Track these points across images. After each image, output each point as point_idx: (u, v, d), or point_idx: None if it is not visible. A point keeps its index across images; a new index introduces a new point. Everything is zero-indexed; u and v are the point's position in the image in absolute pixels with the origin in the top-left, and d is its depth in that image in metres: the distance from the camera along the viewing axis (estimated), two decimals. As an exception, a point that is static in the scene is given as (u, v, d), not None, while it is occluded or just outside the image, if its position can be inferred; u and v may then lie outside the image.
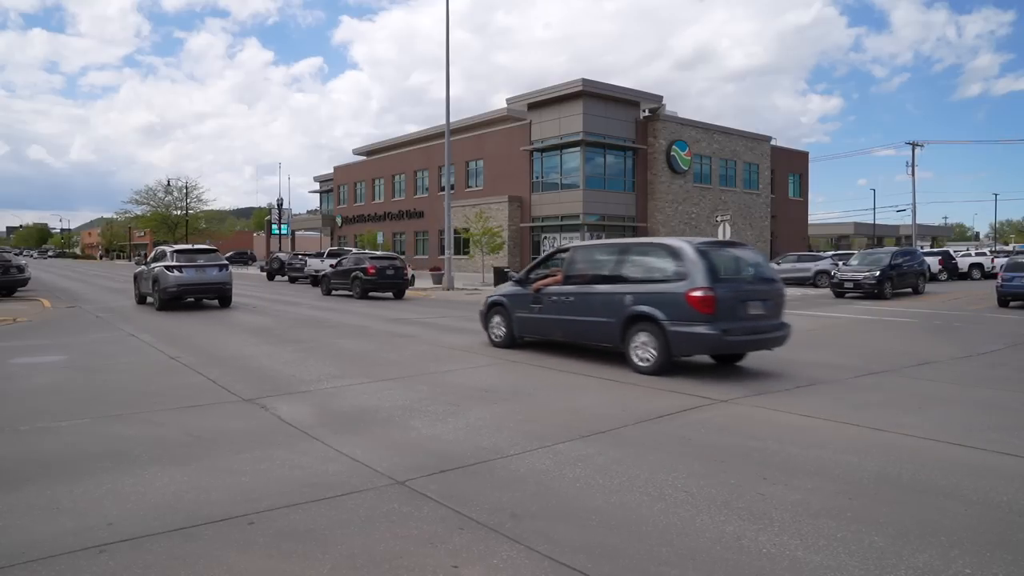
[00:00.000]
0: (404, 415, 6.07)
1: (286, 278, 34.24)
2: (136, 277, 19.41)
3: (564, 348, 10.48)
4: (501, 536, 3.50)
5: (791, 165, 50.28)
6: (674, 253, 8.17)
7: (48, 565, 3.15)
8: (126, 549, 3.33)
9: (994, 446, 5.18)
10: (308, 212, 70.12)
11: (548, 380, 7.80)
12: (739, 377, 8.01)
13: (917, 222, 53.16)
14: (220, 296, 17.86)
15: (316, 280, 30.61)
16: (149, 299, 17.92)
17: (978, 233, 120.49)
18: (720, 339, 7.69)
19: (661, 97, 40.39)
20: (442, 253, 34.39)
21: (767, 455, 4.90)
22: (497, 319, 10.57)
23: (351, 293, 21.89)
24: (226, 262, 18.52)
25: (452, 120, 28.21)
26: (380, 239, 44.74)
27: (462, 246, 39.06)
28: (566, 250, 10.00)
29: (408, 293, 24.81)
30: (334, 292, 23.28)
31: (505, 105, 42.21)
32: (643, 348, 8.18)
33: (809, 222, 55.79)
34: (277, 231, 54.23)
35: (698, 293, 7.65)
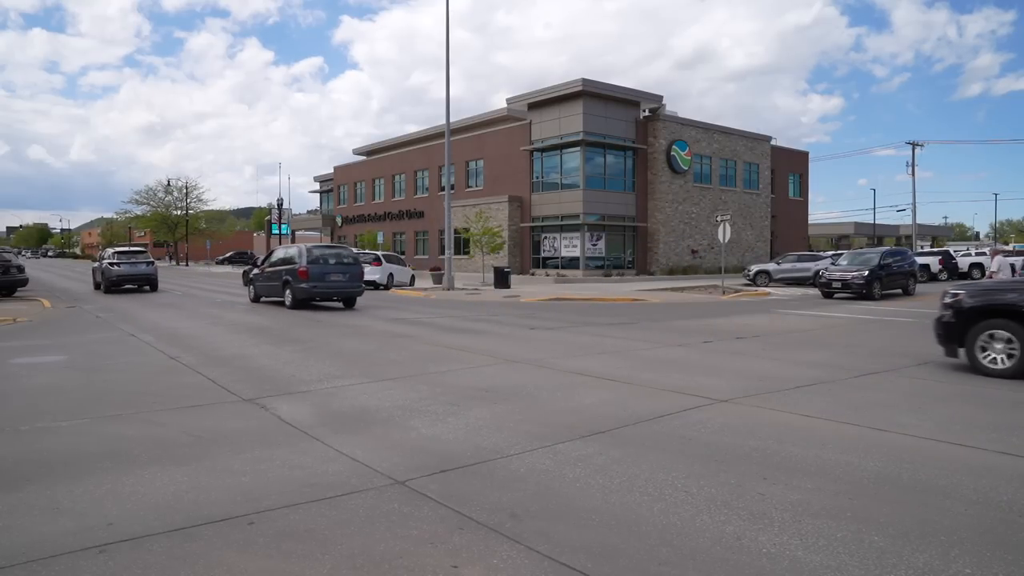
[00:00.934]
0: (404, 415, 6.07)
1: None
2: (93, 271, 27.02)
3: (564, 348, 10.48)
4: (501, 536, 3.50)
5: (791, 165, 50.27)
6: (298, 250, 17.88)
7: (48, 565, 3.15)
8: (126, 549, 3.33)
9: (994, 446, 5.18)
10: (308, 212, 70.11)
11: (548, 380, 7.81)
12: (739, 377, 8.02)
13: (917, 222, 53.17)
14: (149, 283, 24.29)
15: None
16: (107, 287, 23.71)
17: (978, 233, 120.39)
18: (310, 290, 16.97)
19: (661, 97, 40.39)
20: (442, 253, 34.39)
21: (767, 455, 4.90)
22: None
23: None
24: (152, 259, 25.23)
25: (452, 120, 28.21)
26: (380, 239, 44.78)
27: (462, 246, 39.06)
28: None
29: (408, 293, 24.83)
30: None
31: (505, 105, 42.20)
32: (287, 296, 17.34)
33: (809, 222, 55.79)
34: (277, 231, 54.21)
35: (303, 268, 16.89)
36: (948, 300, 8.96)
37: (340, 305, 18.02)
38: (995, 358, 8.30)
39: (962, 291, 8.95)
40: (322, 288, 17.11)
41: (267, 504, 3.90)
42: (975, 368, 8.44)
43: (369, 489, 4.18)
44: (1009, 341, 8.18)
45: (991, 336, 8.40)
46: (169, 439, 5.25)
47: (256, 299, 19.42)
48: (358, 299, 18.38)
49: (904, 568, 3.17)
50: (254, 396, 6.87)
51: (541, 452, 4.96)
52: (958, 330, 8.74)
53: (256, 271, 19.88)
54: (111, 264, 23.56)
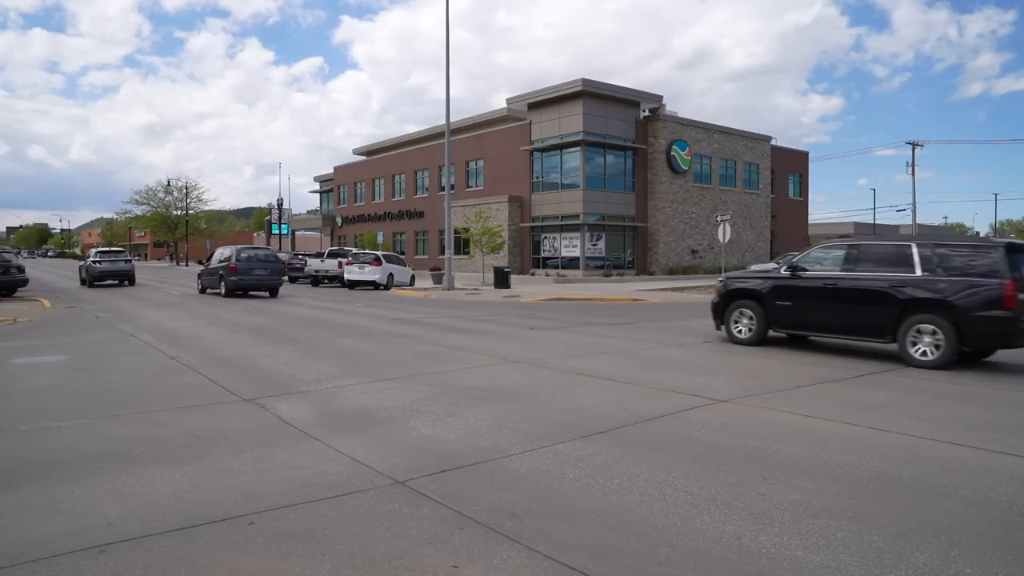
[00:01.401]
0: (404, 415, 6.07)
1: (286, 278, 34.30)
2: (79, 268, 31.57)
3: (564, 348, 10.49)
4: (501, 536, 3.50)
5: (791, 165, 50.27)
6: (231, 251, 22.32)
7: (48, 565, 3.15)
8: (126, 549, 3.33)
9: (994, 446, 5.19)
10: (308, 212, 70.12)
11: (548, 380, 7.81)
12: (739, 377, 8.02)
13: (917, 222, 53.18)
14: (127, 278, 28.15)
15: (316, 280, 30.71)
16: (90, 282, 27.54)
17: (978, 233, 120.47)
18: (238, 282, 21.57)
19: (661, 97, 40.39)
20: (442, 253, 34.39)
21: (767, 455, 4.90)
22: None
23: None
24: (129, 258, 29.99)
25: (452, 120, 28.20)
26: (380, 239, 44.78)
27: (462, 246, 39.06)
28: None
29: (408, 293, 24.84)
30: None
31: (505, 105, 42.20)
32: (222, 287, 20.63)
33: (809, 222, 55.77)
34: (277, 231, 54.22)
35: (232, 265, 21.53)
36: (718, 286, 11.71)
37: (340, 305, 18.00)
38: (741, 329, 11.10)
39: (726, 279, 11.72)
40: (248, 280, 22.08)
41: (267, 504, 3.90)
42: (730, 338, 11.20)
43: (369, 489, 4.18)
44: (751, 317, 10.92)
45: (740, 312, 11.10)
46: (169, 439, 5.25)
47: (203, 291, 23.86)
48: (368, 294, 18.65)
49: (904, 568, 3.17)
50: (254, 396, 6.87)
51: (541, 452, 4.96)
52: (721, 308, 11.46)
53: (201, 268, 25.04)
54: (94, 262, 27.54)
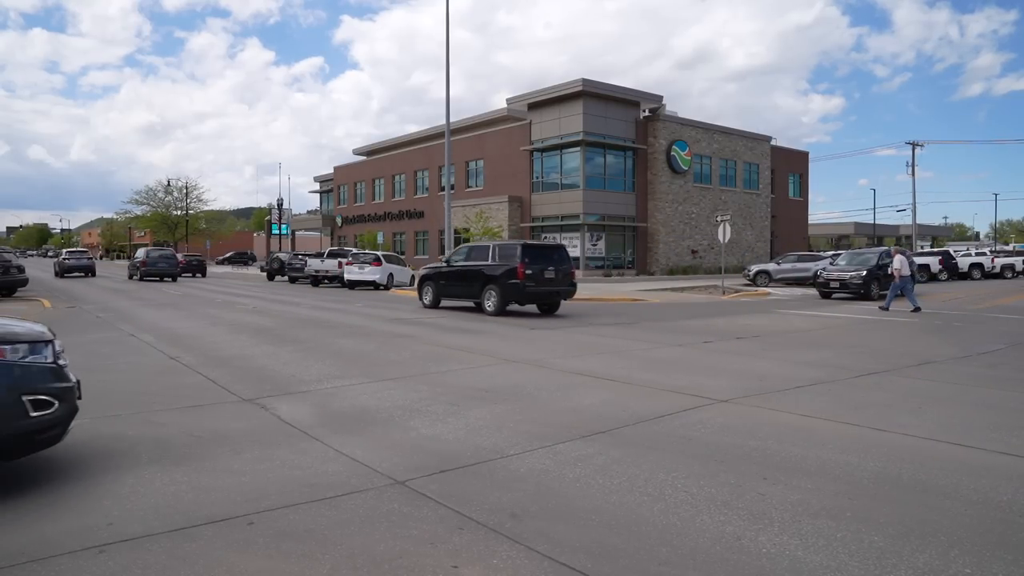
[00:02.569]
0: (404, 415, 6.07)
1: (286, 278, 34.29)
2: (53, 264, 42.73)
3: (564, 348, 10.49)
4: (501, 536, 3.50)
5: (791, 165, 50.30)
6: (144, 252, 34.49)
7: (48, 565, 3.15)
8: (126, 549, 3.33)
9: (994, 446, 5.18)
10: (308, 212, 70.15)
11: (548, 380, 7.80)
12: (739, 377, 8.02)
13: (917, 222, 53.19)
14: (89, 271, 37.14)
15: (316, 280, 30.73)
16: (62, 273, 36.30)
17: (978, 233, 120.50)
18: (147, 271, 32.75)
19: (661, 97, 40.41)
20: (442, 253, 34.39)
21: (767, 455, 4.90)
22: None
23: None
24: (91, 256, 41.62)
25: (452, 120, 28.21)
26: (380, 239, 44.79)
27: (462, 246, 39.05)
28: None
29: (408, 293, 24.86)
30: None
31: (505, 105, 42.22)
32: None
33: (809, 222, 55.83)
34: (277, 231, 54.23)
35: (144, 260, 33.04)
36: (421, 272, 18.52)
37: (340, 306, 18.03)
38: (426, 299, 17.74)
39: (423, 268, 18.94)
40: (154, 271, 31.92)
41: (267, 504, 3.90)
42: (422, 304, 17.89)
43: (369, 489, 4.18)
44: (429, 291, 17.66)
45: (426, 288, 17.83)
46: (169, 439, 5.25)
47: (130, 278, 26.51)
48: (368, 294, 19.49)
49: (904, 568, 3.17)
50: (254, 396, 6.87)
51: (541, 452, 4.96)
52: (419, 286, 18.22)
53: (130, 263, 28.01)
54: (64, 259, 38.03)
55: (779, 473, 4.50)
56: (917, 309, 17.08)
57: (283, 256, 36.65)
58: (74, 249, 47.76)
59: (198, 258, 41.45)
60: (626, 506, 3.93)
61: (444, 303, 17.74)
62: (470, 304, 17.26)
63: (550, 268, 15.46)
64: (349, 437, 5.35)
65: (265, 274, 37.86)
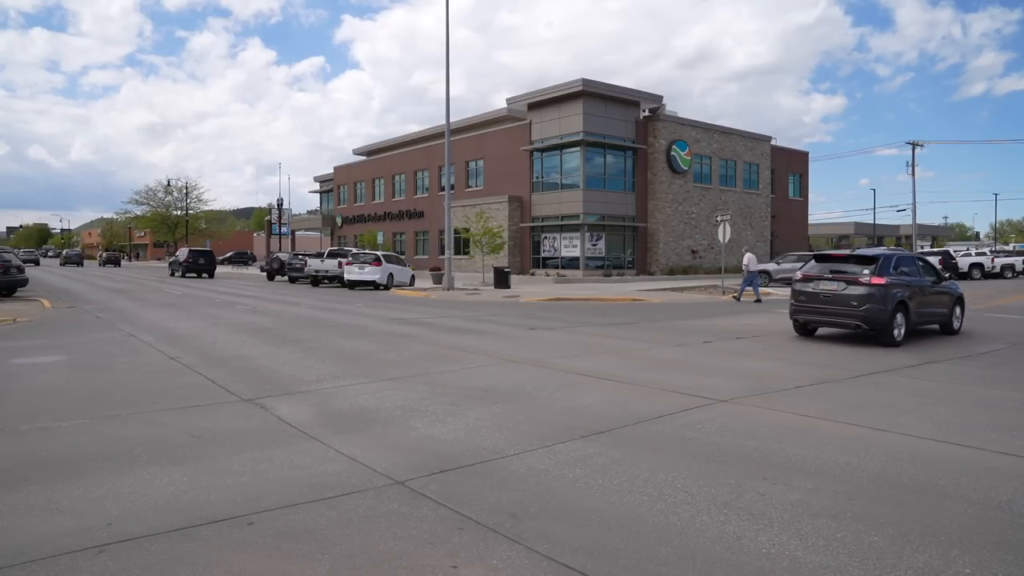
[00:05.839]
0: (404, 415, 6.07)
1: (286, 278, 34.30)
2: (60, 257, 72.04)
3: (564, 348, 10.48)
4: (500, 536, 3.50)
5: (791, 165, 50.26)
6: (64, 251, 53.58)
7: (48, 565, 3.15)
8: (125, 549, 3.32)
9: (994, 446, 5.18)
10: (308, 212, 70.10)
11: (548, 380, 7.80)
12: (739, 377, 8.02)
13: (917, 222, 53.17)
14: (33, 261, 59.45)
15: (316, 280, 30.74)
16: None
17: (978, 233, 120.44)
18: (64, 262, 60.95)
19: (661, 97, 40.38)
20: (442, 253, 34.40)
21: (767, 455, 4.90)
22: None
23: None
24: (37, 255, 72.80)
25: (452, 120, 28.19)
26: (380, 239, 44.75)
27: (462, 246, 39.06)
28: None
29: (408, 293, 24.85)
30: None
31: (505, 105, 42.20)
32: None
33: (809, 222, 55.77)
34: (277, 231, 54.22)
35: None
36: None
37: (340, 305, 18.01)
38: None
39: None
40: (69, 263, 52.51)
41: (266, 504, 3.90)
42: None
43: (368, 489, 4.18)
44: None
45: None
46: (169, 439, 5.25)
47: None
48: (368, 294, 18.48)
49: (904, 568, 3.16)
50: (254, 396, 6.86)
51: (541, 452, 4.95)
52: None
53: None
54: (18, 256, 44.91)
55: (779, 473, 4.50)
56: (758, 301, 20.34)
57: (283, 256, 36.65)
58: (26, 249, 72.12)
59: (207, 253, 42.73)
60: (626, 506, 3.93)
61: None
62: (480, 304, 17.12)
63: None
64: (349, 437, 5.34)
65: (265, 274, 37.88)
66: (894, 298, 10.83)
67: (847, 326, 11.31)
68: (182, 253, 40.53)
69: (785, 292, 25.61)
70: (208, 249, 44.50)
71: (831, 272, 11.52)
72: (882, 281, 10.83)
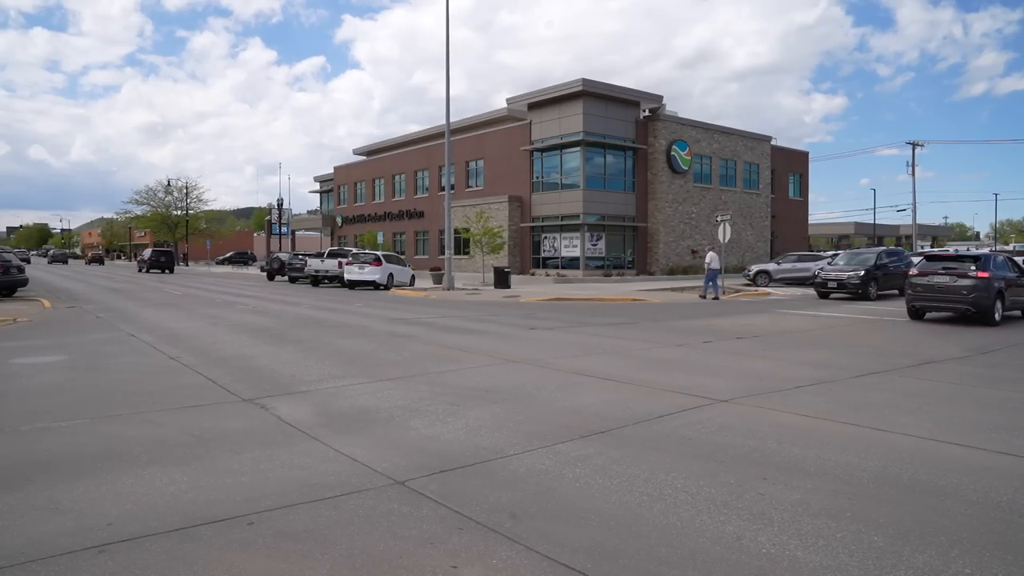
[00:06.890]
0: (404, 415, 6.07)
1: (286, 278, 34.30)
2: (47, 256, 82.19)
3: (564, 348, 10.49)
4: (500, 536, 3.50)
5: (791, 165, 50.26)
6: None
7: (48, 565, 3.15)
8: (126, 549, 3.33)
9: (994, 446, 5.18)
10: (308, 212, 70.10)
11: (548, 380, 7.80)
12: (739, 377, 8.02)
13: (917, 222, 53.18)
14: (64, 260, 72.96)
15: (316, 280, 30.74)
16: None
17: (978, 233, 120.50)
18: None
19: (661, 97, 40.38)
20: (442, 253, 34.39)
21: (767, 455, 4.90)
22: None
23: None
24: (66, 252, 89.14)
25: (453, 120, 28.19)
26: (380, 239, 44.77)
27: (462, 246, 39.05)
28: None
29: (408, 293, 24.86)
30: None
31: (505, 105, 42.20)
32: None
33: (810, 222, 55.77)
34: (277, 231, 54.23)
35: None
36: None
37: (340, 305, 18.02)
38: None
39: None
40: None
41: (266, 504, 3.90)
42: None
43: (369, 489, 4.18)
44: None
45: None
46: (169, 439, 5.25)
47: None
48: (368, 294, 18.47)
49: (904, 568, 3.16)
50: (254, 396, 6.87)
51: (541, 452, 4.95)
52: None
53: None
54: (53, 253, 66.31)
55: (779, 473, 4.50)
56: (716, 298, 21.63)
57: (283, 256, 36.65)
58: (9, 249, 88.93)
59: (168, 252, 49.73)
60: (626, 506, 3.93)
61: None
62: (480, 304, 17.11)
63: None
64: (349, 437, 5.35)
65: (265, 274, 37.88)
66: (995, 288, 13.90)
67: (957, 310, 14.20)
68: (146, 253, 49.51)
69: (786, 292, 25.63)
70: (168, 249, 52.87)
71: (943, 268, 14.51)
72: (986, 275, 13.86)
